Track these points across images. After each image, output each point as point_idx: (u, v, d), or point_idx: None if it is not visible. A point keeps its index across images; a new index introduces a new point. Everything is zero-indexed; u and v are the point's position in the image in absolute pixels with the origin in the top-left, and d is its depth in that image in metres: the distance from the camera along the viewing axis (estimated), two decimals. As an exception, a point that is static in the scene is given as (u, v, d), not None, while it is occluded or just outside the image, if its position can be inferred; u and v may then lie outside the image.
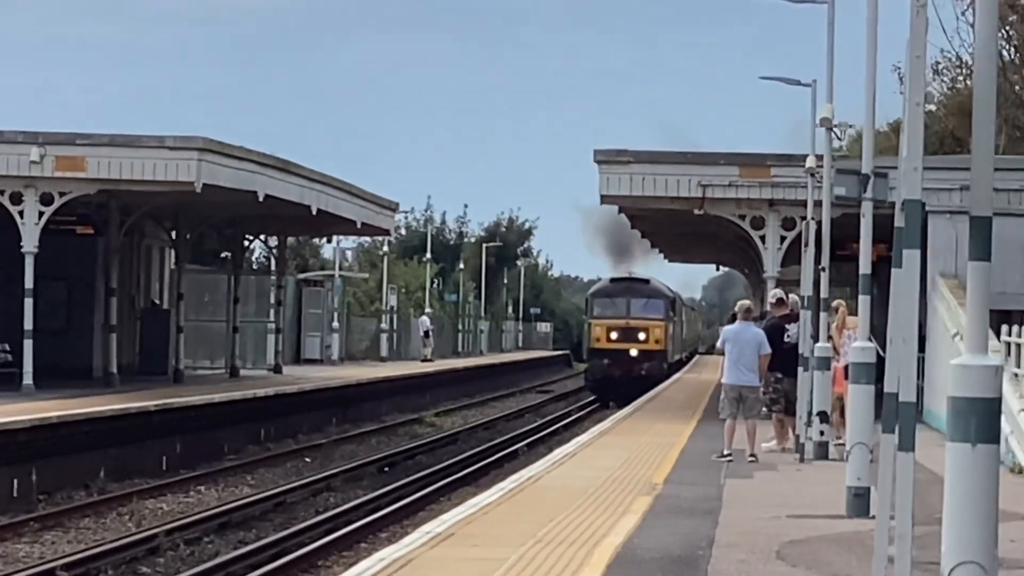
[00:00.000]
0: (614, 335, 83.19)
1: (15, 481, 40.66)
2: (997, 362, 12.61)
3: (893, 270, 13.59)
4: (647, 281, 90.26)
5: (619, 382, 78.61)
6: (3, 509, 38.46)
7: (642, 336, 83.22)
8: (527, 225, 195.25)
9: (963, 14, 62.57)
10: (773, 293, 43.96)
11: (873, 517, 14.54)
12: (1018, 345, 36.78)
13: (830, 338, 34.84)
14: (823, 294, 38.27)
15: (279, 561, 31.32)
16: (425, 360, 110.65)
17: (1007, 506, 13.53)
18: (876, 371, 22.71)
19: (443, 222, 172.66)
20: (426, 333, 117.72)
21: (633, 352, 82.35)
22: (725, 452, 34.43)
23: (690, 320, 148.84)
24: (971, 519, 12.47)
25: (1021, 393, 35.17)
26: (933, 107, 67.33)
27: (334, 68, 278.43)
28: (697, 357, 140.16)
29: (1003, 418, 31.69)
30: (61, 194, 53.45)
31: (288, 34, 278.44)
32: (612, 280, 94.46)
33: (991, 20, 13.10)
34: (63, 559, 31.36)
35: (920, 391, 36.21)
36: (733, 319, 37.44)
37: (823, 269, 39.30)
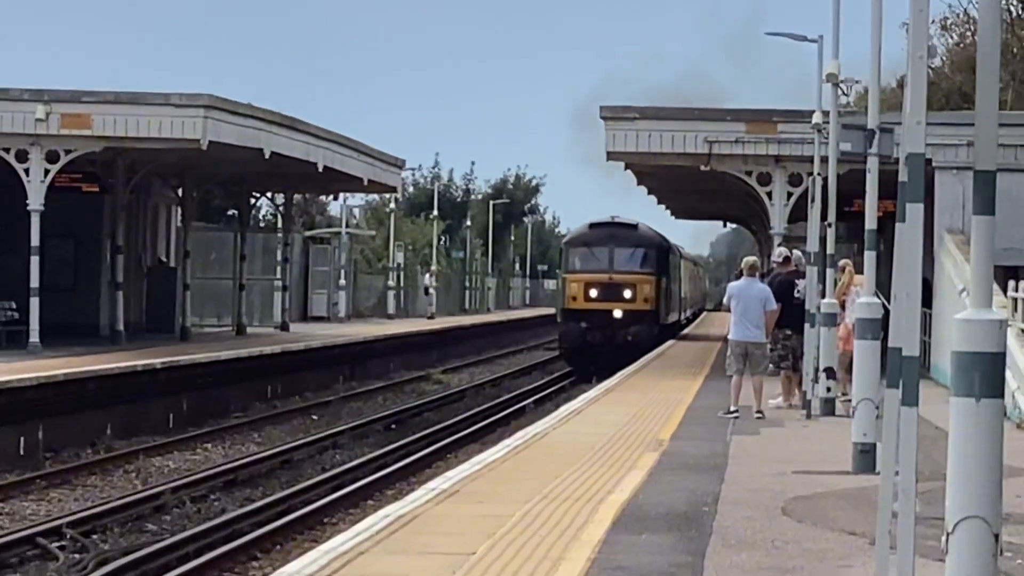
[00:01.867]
0: (593, 292, 68.78)
1: (22, 439, 40.72)
2: (1002, 317, 12.59)
3: (897, 224, 13.55)
4: (634, 226, 73.52)
5: (599, 350, 65.30)
6: (10, 467, 38.55)
7: (628, 293, 68.62)
8: (534, 182, 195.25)
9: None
10: (779, 251, 44.01)
11: (878, 473, 14.51)
12: (1016, 300, 36.80)
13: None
14: (829, 250, 38.24)
15: (285, 518, 31.31)
16: (431, 317, 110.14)
17: (1012, 461, 13.52)
18: (882, 327, 22.72)
19: (450, 179, 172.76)
20: (425, 290, 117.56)
21: (617, 313, 68.02)
22: (732, 408, 34.42)
23: (693, 275, 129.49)
24: (976, 474, 12.46)
25: (1012, 344, 35.20)
26: (940, 62, 67.34)
27: (339, 26, 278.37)
28: (704, 314, 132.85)
29: (1008, 373, 31.75)
30: (67, 152, 53.45)
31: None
32: (591, 225, 76.25)
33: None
34: (69, 516, 31.41)
35: (927, 347, 36.38)
36: (740, 275, 37.42)
37: (829, 225, 39.27)
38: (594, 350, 66.44)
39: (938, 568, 12.61)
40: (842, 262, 29.55)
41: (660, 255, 74.52)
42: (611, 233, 72.50)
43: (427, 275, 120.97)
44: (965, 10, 64.99)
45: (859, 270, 33.71)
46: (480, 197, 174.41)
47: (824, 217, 39.20)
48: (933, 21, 65.90)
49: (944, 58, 68.70)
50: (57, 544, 28.50)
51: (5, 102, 53.16)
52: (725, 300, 37.74)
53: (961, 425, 12.46)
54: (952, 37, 68.53)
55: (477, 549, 17.57)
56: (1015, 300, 37.29)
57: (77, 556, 27.51)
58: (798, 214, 50.90)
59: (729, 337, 35.95)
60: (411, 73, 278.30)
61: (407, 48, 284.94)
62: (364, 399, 62.98)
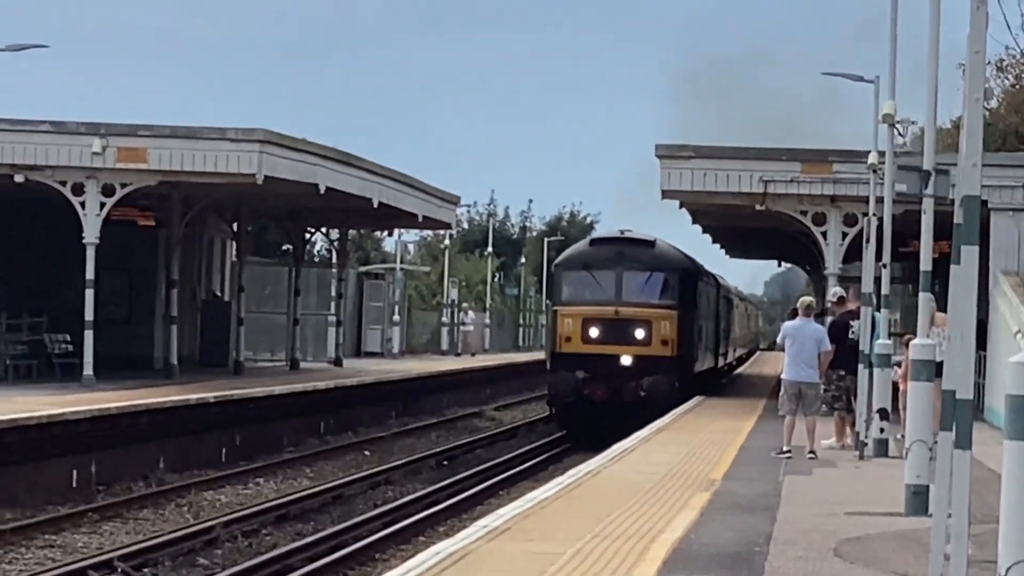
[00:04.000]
0: (595, 332, 51.31)
1: (75, 472, 40.80)
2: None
3: (952, 266, 13.55)
4: (651, 243, 55.24)
5: (601, 408, 49.79)
6: (63, 500, 38.53)
7: (641, 334, 50.86)
8: (589, 219, 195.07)
9: (1025, 11, 62.40)
10: (834, 291, 44.05)
11: (931, 515, 14.48)
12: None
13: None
14: (884, 291, 38.29)
15: (337, 554, 31.34)
16: (472, 355, 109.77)
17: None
18: (939, 370, 22.75)
19: (506, 216, 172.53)
20: (460, 328, 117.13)
21: (626, 360, 50.80)
22: (784, 449, 34.40)
23: (741, 312, 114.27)
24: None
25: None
26: (996, 103, 67.19)
27: (397, 63, 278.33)
28: (758, 353, 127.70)
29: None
30: (123, 185, 53.62)
31: (353, 34, 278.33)
32: (593, 242, 59.61)
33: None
34: (121, 550, 31.41)
35: (980, 389, 36.27)
36: (794, 315, 37.44)
37: (884, 266, 39.28)
38: (595, 409, 50.33)
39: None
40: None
41: (685, 281, 55.67)
42: (619, 252, 53.97)
43: (462, 313, 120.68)
44: (1022, 51, 64.87)
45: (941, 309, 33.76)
46: (535, 234, 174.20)
47: (879, 258, 39.23)
48: (989, 62, 65.82)
49: (1000, 99, 68.56)
50: (109, 580, 28.61)
51: (62, 135, 53.35)
52: (779, 339, 37.76)
53: (1015, 468, 12.42)
54: (1008, 78, 68.39)
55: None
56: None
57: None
58: (853, 254, 50.88)
59: (783, 377, 35.94)
60: (469, 110, 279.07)
61: (465, 85, 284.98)
62: (416, 435, 62.97)
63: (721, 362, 77.78)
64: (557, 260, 60.34)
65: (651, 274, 53.89)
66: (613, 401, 50.59)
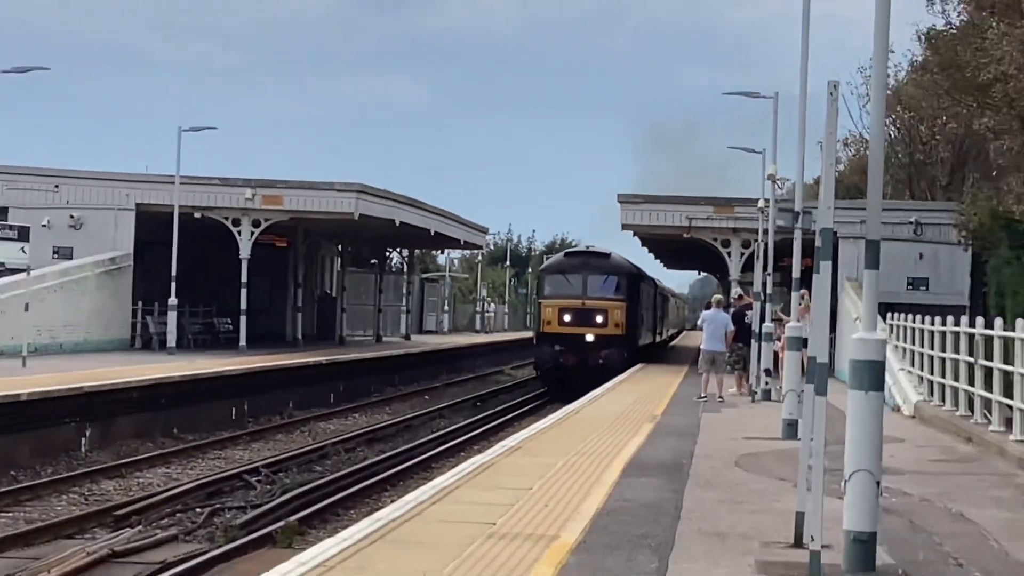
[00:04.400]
0: (567, 317, 51.63)
1: (233, 409, 40.96)
2: (883, 337, 12.63)
3: (814, 275, 13.59)
4: (607, 255, 55.25)
5: (572, 371, 49.72)
6: (225, 427, 38.75)
7: (600, 319, 51.44)
8: (573, 242, 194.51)
9: (864, 107, 62.17)
10: (735, 291, 44.74)
11: (799, 439, 14.55)
12: (897, 326, 36.74)
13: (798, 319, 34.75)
14: (768, 291, 38.66)
15: (407, 463, 31.71)
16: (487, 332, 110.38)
17: (887, 433, 13.43)
18: (805, 343, 22.86)
19: (518, 241, 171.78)
20: (483, 316, 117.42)
21: (589, 337, 51.06)
22: (702, 395, 34.35)
23: (674, 305, 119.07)
24: (864, 441, 12.45)
25: (898, 358, 35.12)
26: (843, 168, 67.11)
27: (443, 139, 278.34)
28: (684, 332, 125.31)
29: (887, 374, 31.51)
30: (265, 220, 53.73)
31: (411, 116, 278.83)
32: (567, 254, 59.76)
33: (880, 110, 13.10)
34: (264, 460, 31.60)
35: (832, 356, 36.10)
36: (709, 306, 37.50)
37: (768, 274, 39.62)
38: (567, 371, 50.24)
39: (838, 504, 12.58)
40: (803, 291, 29.20)
41: (632, 282, 55.29)
42: (585, 261, 54.12)
43: (488, 304, 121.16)
44: (860, 133, 64.60)
45: (787, 309, 33.77)
46: (537, 253, 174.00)
47: (765, 269, 39.46)
48: (839, 140, 65.71)
49: (846, 164, 68.36)
50: (256, 479, 28.64)
51: (226, 187, 53.55)
52: (700, 323, 37.78)
53: (855, 409, 12.45)
54: (851, 151, 68.12)
55: (533, 486, 17.60)
56: (891, 326, 37.23)
57: (269, 487, 27.60)
58: (748, 266, 50.76)
59: (702, 348, 35.91)
60: (493, 166, 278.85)
61: (490, 148, 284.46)
62: (459, 385, 62.84)
63: (658, 338, 77.64)
64: (542, 267, 60.56)
65: (607, 277, 53.05)
66: (581, 367, 49.68)
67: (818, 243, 12.93)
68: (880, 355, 12.56)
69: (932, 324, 31.67)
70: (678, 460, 20.96)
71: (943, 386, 29.75)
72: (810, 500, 12.03)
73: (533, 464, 20.25)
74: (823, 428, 12.71)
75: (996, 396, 24.04)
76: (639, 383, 42.28)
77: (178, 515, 24.16)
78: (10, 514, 23.94)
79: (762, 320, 36.75)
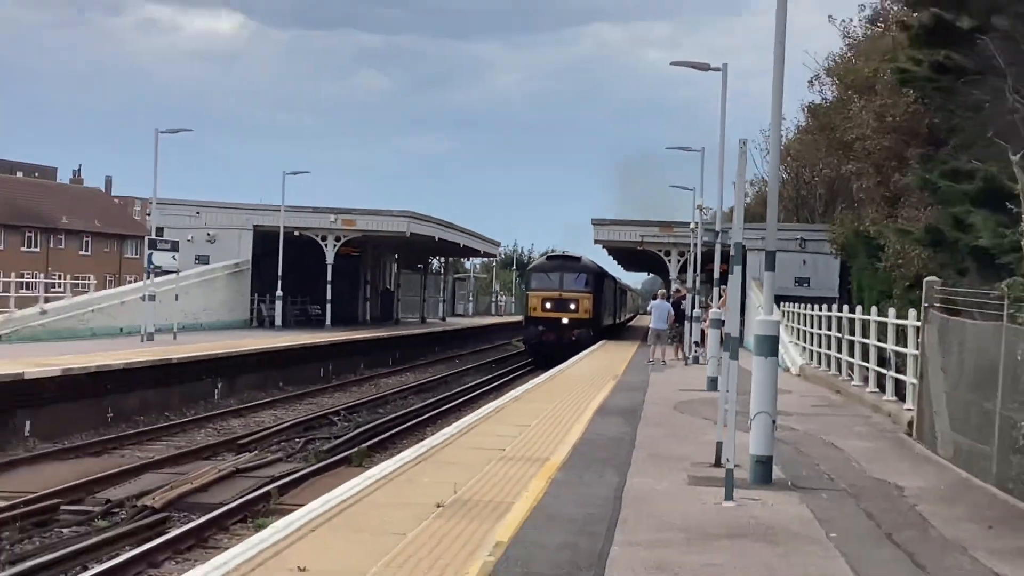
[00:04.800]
0: (548, 305, 49.99)
1: (321, 369, 40.95)
2: (777, 319, 12.64)
3: (729, 276, 13.59)
4: (578, 259, 54.01)
5: (552, 346, 47.88)
6: (317, 382, 38.67)
7: (572, 306, 50.03)
8: (563, 252, 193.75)
9: (764, 157, 62.13)
10: (675, 288, 44.92)
11: (718, 391, 14.61)
12: (788, 311, 36.82)
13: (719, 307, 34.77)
14: (697, 287, 38.70)
15: (444, 407, 31.64)
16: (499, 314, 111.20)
17: (780, 387, 13.44)
18: (723, 323, 22.84)
19: (522, 250, 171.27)
20: (496, 305, 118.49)
21: (564, 320, 49.70)
22: (650, 360, 34.29)
23: (631, 296, 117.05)
24: (764, 392, 12.49)
25: (788, 334, 35.10)
26: (750, 200, 67.09)
27: (472, 179, 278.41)
28: (637, 316, 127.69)
29: (780, 346, 31.48)
30: (344, 236, 53.68)
31: (449, 164, 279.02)
32: (548, 258, 57.43)
33: (775, 160, 13.16)
34: (342, 405, 31.64)
35: (742, 333, 36.05)
36: (655, 297, 37.58)
37: (697, 275, 39.66)
38: (548, 346, 47.92)
39: (746, 436, 12.61)
40: (722, 287, 29.17)
41: (596, 279, 53.26)
42: (561, 263, 52.03)
43: (500, 296, 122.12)
44: (762, 176, 64.57)
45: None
46: (535, 259, 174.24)
47: (695, 271, 39.49)
48: (747, 181, 65.60)
49: (751, 199, 68.30)
50: (337, 418, 28.70)
51: (316, 213, 53.49)
52: (648, 309, 37.91)
53: (758, 369, 12.46)
54: (755, 188, 67.99)
55: (531, 423, 17.62)
56: (783, 312, 37.27)
57: (346, 424, 27.65)
58: (683, 269, 50.68)
59: (650, 327, 35.95)
60: (504, 197, 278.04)
61: (502, 185, 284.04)
62: (481, 353, 62.73)
63: (618, 320, 77.09)
64: (529, 268, 58.13)
65: (578, 275, 50.57)
66: (558, 343, 47.10)
67: (733, 252, 12.95)
68: (775, 332, 12.58)
69: (812, 310, 31.80)
70: (634, 406, 20.97)
71: (819, 354, 29.84)
72: (726, 433, 12.06)
73: (531, 409, 20.26)
74: (735, 382, 12.76)
75: (857, 360, 24.12)
76: (605, 352, 42.22)
77: (283, 443, 24.27)
78: (164, 442, 24.06)
79: (692, 307, 36.96)
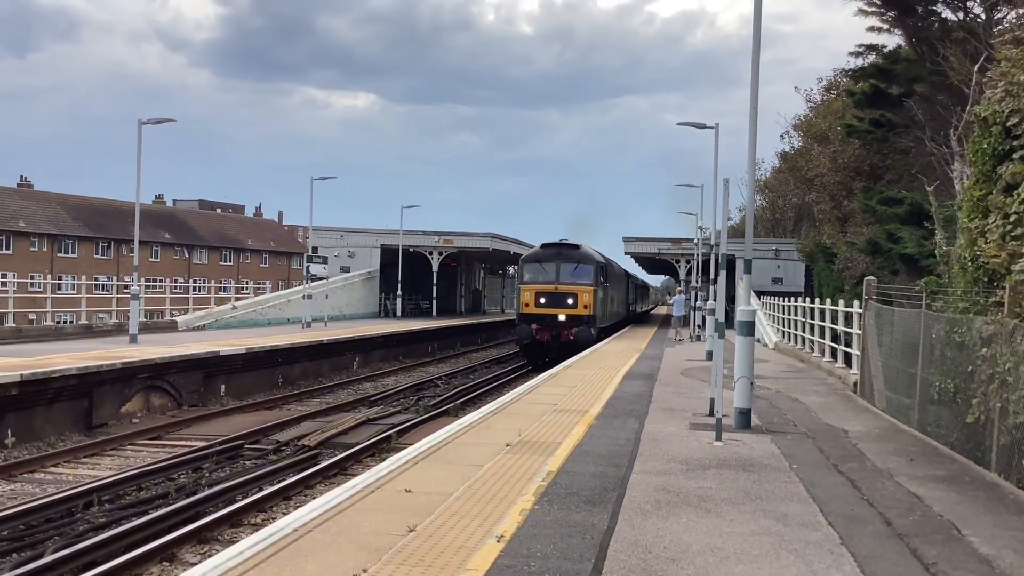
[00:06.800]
0: (543, 300, 34.22)
1: (429, 346, 40.69)
2: (755, 308, 12.42)
3: (716, 278, 13.39)
4: (577, 247, 36.13)
5: (548, 346, 33.54)
6: (425, 356, 38.37)
7: (570, 301, 34.03)
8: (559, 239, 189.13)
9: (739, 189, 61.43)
10: (681, 288, 44.05)
11: (712, 360, 14.44)
12: (766, 302, 36.20)
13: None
14: (699, 286, 38.17)
15: (491, 385, 28.06)
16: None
17: (760, 357, 13.21)
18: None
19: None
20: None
21: (561, 317, 33.77)
22: (671, 337, 33.92)
23: (652, 292, 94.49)
24: (744, 361, 12.29)
25: (767, 317, 34.53)
26: (736, 221, 66.19)
27: (541, 209, 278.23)
28: (657, 307, 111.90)
29: (761, 327, 30.86)
30: (445, 252, 53.63)
31: (522, 198, 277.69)
32: (543, 246, 36.80)
33: (751, 194, 12.90)
34: (444, 373, 31.49)
35: (731, 319, 35.62)
36: (672, 293, 37.42)
37: (700, 278, 39.06)
38: (543, 346, 33.18)
39: (731, 393, 12.42)
40: (714, 287, 29.05)
41: (599, 270, 35.13)
42: (558, 251, 34.75)
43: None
44: (742, 206, 63.93)
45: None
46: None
47: (697, 274, 38.99)
48: (733, 207, 64.57)
49: (737, 221, 67.43)
50: (440, 382, 28.59)
51: (426, 235, 53.25)
52: (670, 301, 37.66)
53: (739, 344, 12.26)
54: (742, 212, 67.29)
55: (576, 384, 17.43)
56: (762, 303, 36.68)
57: (447, 386, 27.58)
58: (689, 273, 50.10)
59: (673, 314, 35.53)
60: (561, 223, 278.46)
61: (563, 213, 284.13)
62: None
63: (640, 310, 64.45)
64: (522, 257, 35.64)
65: (577, 265, 33.52)
66: (554, 342, 32.41)
67: (720, 261, 12.78)
68: (752, 318, 12.36)
69: (784, 301, 31.23)
70: (652, 371, 20.73)
71: (790, 333, 29.29)
72: (716, 391, 11.90)
73: (577, 374, 20.06)
74: (721, 355, 12.57)
75: (816, 338, 23.68)
76: (633, 333, 41.76)
77: (401, 400, 24.26)
78: (317, 400, 24.17)
79: (696, 300, 36.45)
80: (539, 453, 10.17)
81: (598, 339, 33.55)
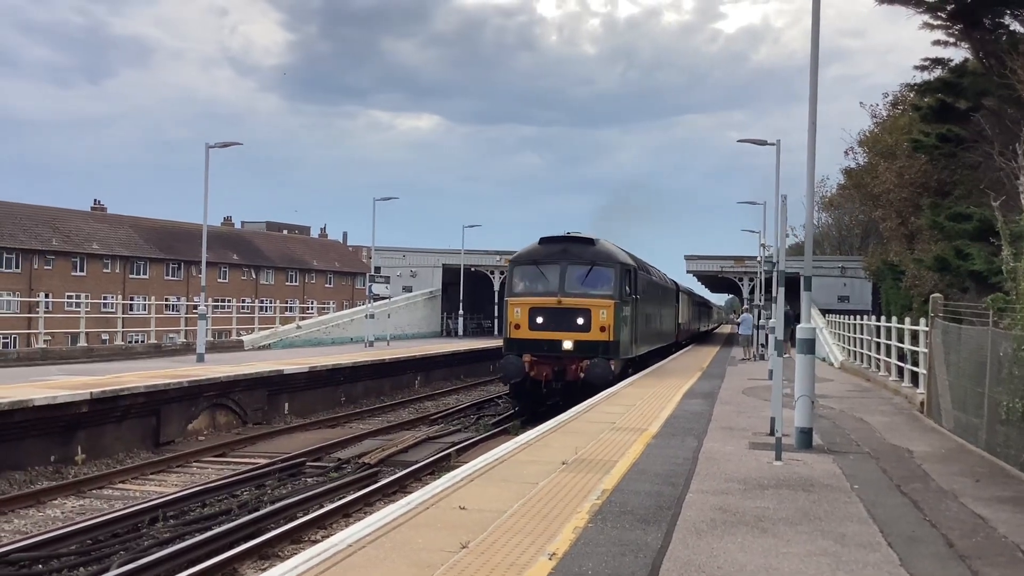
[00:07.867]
0: (540, 320, 20.10)
1: (490, 366, 39.97)
2: (814, 327, 12.27)
3: (776, 296, 13.27)
4: (592, 241, 21.11)
5: (547, 388, 20.70)
6: (487, 374, 38.08)
7: (580, 321, 19.82)
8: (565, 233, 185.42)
9: (815, 206, 60.65)
10: (746, 305, 43.57)
11: (771, 379, 14.26)
12: (832, 320, 35.64)
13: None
14: (761, 304, 37.65)
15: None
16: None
17: (826, 376, 13.04)
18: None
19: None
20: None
21: (567, 345, 19.99)
22: (743, 358, 33.57)
23: (716, 311, 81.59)
24: (805, 380, 12.15)
25: (833, 337, 33.97)
26: (799, 240, 65.36)
27: (601, 229, 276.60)
28: (721, 325, 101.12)
29: (826, 346, 30.36)
30: (503, 270, 53.80)
31: (585, 218, 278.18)
32: (542, 240, 21.66)
33: (811, 210, 12.79)
34: (505, 391, 31.23)
35: (790, 337, 35.03)
36: (738, 312, 37.11)
37: (763, 296, 38.49)
38: (539, 389, 21.54)
39: (791, 413, 12.26)
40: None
41: (623, 275, 21.77)
42: (564, 249, 21.64)
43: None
44: (803, 225, 63.03)
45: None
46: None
47: (762, 293, 38.45)
48: (800, 225, 64.00)
49: (800, 239, 66.54)
50: (500, 401, 28.38)
51: (487, 255, 53.68)
52: (738, 320, 37.27)
53: (800, 363, 12.11)
54: (802, 231, 66.26)
55: (635, 403, 17.26)
56: (828, 321, 36.12)
57: (507, 405, 27.52)
58: (751, 292, 49.66)
59: (739, 333, 35.32)
60: (619, 240, 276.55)
61: (625, 233, 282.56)
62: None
63: (703, 329, 60.37)
64: (512, 257, 23.30)
65: (591, 268, 21.76)
66: (556, 382, 21.65)
67: (778, 279, 12.65)
68: (812, 335, 12.22)
69: (851, 320, 30.72)
70: (712, 391, 20.52)
71: (856, 352, 28.79)
72: (776, 410, 11.75)
73: (638, 392, 19.88)
74: (781, 374, 12.42)
75: (883, 356, 23.23)
76: (695, 352, 41.33)
77: (461, 418, 24.26)
78: (379, 418, 24.38)
79: (759, 319, 35.99)
80: (595, 471, 10.14)
81: (622, 375, 22.88)
